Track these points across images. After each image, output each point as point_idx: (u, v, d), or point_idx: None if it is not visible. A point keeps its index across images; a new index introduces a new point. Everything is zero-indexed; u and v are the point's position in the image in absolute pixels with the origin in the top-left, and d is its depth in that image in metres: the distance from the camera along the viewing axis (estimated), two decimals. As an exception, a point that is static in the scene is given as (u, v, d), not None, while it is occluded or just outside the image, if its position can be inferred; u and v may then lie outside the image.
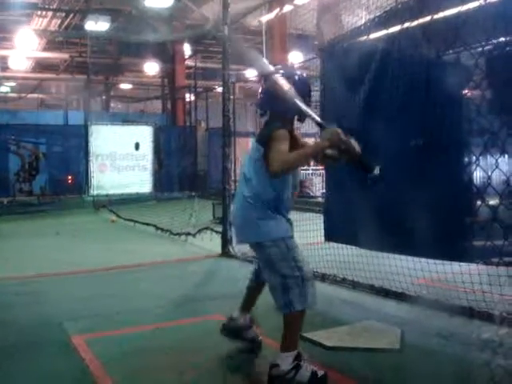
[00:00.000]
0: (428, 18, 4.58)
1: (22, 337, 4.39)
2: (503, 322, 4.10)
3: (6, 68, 23.78)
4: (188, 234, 9.35)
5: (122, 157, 18.56)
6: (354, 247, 5.58)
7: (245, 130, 16.39)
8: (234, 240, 3.89)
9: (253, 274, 3.90)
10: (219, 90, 15.43)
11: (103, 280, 6.57)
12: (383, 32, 5.10)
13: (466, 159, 4.37)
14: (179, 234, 9.57)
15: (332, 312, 4.89)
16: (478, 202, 4.22)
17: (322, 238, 5.99)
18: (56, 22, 19.11)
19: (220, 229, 8.10)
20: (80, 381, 3.53)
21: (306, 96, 3.49)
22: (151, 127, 19.55)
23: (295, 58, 19.07)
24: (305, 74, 3.78)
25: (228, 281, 6.17)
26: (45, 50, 22.12)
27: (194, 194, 15.84)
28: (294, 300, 3.28)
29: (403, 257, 5.01)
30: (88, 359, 3.79)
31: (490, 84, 4.15)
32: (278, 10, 15.81)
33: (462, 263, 4.47)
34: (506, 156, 4.10)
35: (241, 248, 6.99)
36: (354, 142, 3.23)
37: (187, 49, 23.73)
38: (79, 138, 18.09)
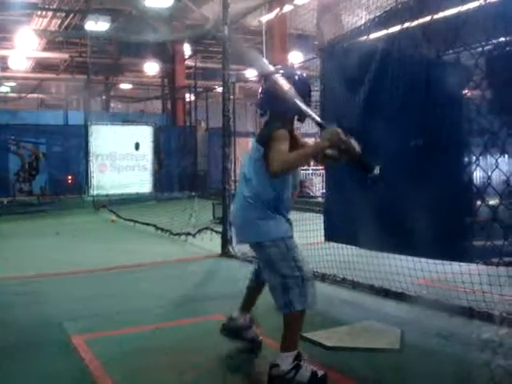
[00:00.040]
0: (428, 18, 4.58)
1: (21, 337, 4.39)
2: (503, 322, 4.10)
3: (6, 68, 23.78)
4: (188, 234, 9.35)
5: (121, 157, 18.56)
6: (353, 247, 5.58)
7: (245, 130, 16.40)
8: (234, 240, 3.90)
9: (253, 274, 3.90)
10: (219, 90, 15.43)
11: (103, 280, 6.57)
12: (383, 32, 5.10)
13: (466, 159, 4.37)
14: (179, 234, 9.57)
15: (332, 312, 4.89)
16: (478, 202, 4.22)
17: (322, 238, 5.99)
18: (56, 22, 19.11)
19: (220, 229, 8.10)
20: (80, 381, 3.53)
21: (306, 96, 3.49)
22: (151, 127, 19.54)
23: (295, 58, 19.07)
24: (305, 74, 3.78)
25: (228, 281, 6.17)
26: (45, 50, 22.12)
27: (193, 194, 15.84)
28: (294, 300, 3.28)
29: (403, 257, 5.00)
30: (88, 359, 3.79)
31: (489, 84, 4.15)
32: (278, 9, 15.81)
33: (461, 263, 4.47)
34: (506, 156, 4.10)
35: (241, 248, 6.99)
36: (353, 142, 3.23)
37: (187, 49, 23.73)
38: (79, 138, 18.09)
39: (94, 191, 17.34)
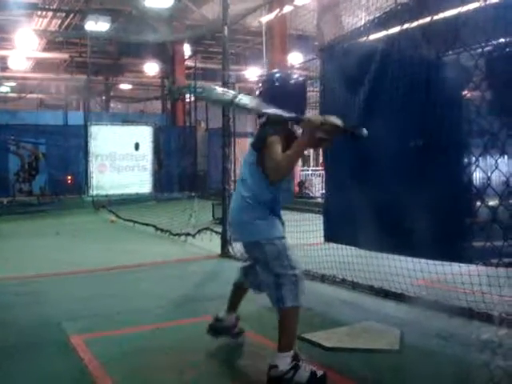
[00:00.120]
0: (428, 19, 4.58)
1: (21, 337, 4.39)
2: (502, 322, 4.10)
3: (5, 68, 23.78)
4: (188, 234, 9.35)
5: (121, 157, 18.55)
6: (353, 248, 5.58)
7: (244, 130, 16.39)
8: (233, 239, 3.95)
9: (240, 274, 3.96)
10: (219, 90, 15.40)
11: (103, 280, 6.57)
12: (383, 33, 5.10)
13: (466, 160, 4.37)
14: (179, 235, 9.58)
15: (331, 313, 4.90)
16: (478, 203, 4.22)
17: (322, 239, 5.99)
18: (56, 22, 19.12)
19: (220, 229, 8.11)
20: (79, 381, 3.53)
21: (301, 99, 3.62)
22: (151, 127, 19.54)
23: (295, 58, 19.08)
24: (301, 78, 3.81)
25: (228, 281, 6.09)
26: (45, 50, 22.12)
27: (193, 194, 15.85)
28: (286, 296, 3.32)
29: (403, 258, 5.01)
30: (87, 359, 3.79)
31: (489, 85, 4.15)
32: (278, 10, 15.80)
33: (461, 264, 4.47)
34: (506, 157, 4.10)
35: (240, 248, 6.99)
36: (333, 118, 3.28)
37: (187, 49, 23.73)
38: (79, 138, 18.07)
39: (93, 191, 17.34)
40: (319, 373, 3.31)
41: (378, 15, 5.32)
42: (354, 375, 3.53)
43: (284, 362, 3.27)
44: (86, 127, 17.67)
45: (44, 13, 18.49)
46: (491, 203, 4.08)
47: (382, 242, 4.79)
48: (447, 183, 4.38)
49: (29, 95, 27.15)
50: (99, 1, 18.46)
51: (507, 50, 4.23)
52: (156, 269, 7.24)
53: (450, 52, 4.48)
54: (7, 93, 28.43)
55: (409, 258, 4.95)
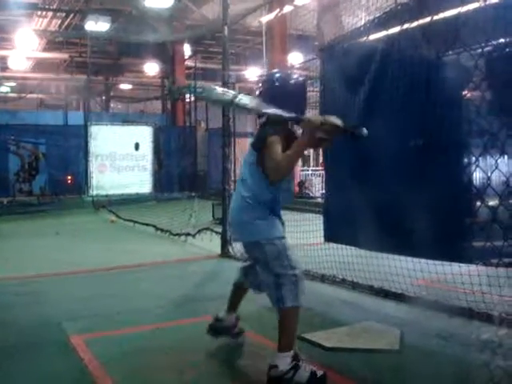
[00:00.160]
0: (428, 19, 4.58)
1: (21, 337, 4.39)
2: (502, 322, 4.10)
3: (5, 68, 23.78)
4: (188, 234, 9.35)
5: (121, 157, 18.55)
6: (353, 248, 5.58)
7: (244, 130, 16.38)
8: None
9: (239, 274, 3.97)
10: (219, 90, 15.40)
11: (103, 280, 6.57)
12: (383, 33, 5.10)
13: (466, 160, 4.37)
14: (179, 235, 9.58)
15: (331, 313, 4.90)
16: (478, 203, 4.22)
17: (322, 239, 5.99)
18: (56, 22, 19.12)
19: (220, 229, 8.11)
20: (79, 381, 3.53)
21: (301, 99, 3.64)
22: (151, 127, 19.54)
23: (295, 58, 19.08)
24: (301, 78, 3.82)
25: (228, 281, 6.08)
26: (45, 50, 22.12)
27: (193, 194, 15.85)
28: (286, 296, 3.32)
29: (403, 258, 5.01)
30: (87, 359, 3.79)
31: (489, 85, 4.15)
32: (278, 10, 15.80)
33: (461, 264, 4.47)
34: (506, 157, 4.10)
35: (240, 248, 6.99)
36: (333, 118, 3.28)
37: (187, 49, 23.73)
38: (79, 139, 18.08)
39: (93, 191, 17.34)
40: (319, 373, 3.31)
41: (378, 15, 5.32)
42: (354, 375, 3.53)
43: (284, 362, 3.27)
44: (86, 127, 17.67)
45: (44, 13, 18.49)
46: (491, 203, 4.08)
47: (382, 241, 4.79)
48: (447, 183, 4.38)
49: (29, 95, 27.15)
50: (99, 1, 18.46)
51: (507, 50, 4.23)
52: (156, 269, 7.24)
53: (450, 52, 4.48)
54: (7, 93, 28.43)
55: (409, 258, 4.95)
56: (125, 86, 29.80)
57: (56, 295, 5.83)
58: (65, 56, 23.10)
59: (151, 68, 24.93)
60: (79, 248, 8.96)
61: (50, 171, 18.83)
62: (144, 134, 19.07)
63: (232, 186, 7.86)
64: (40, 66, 24.67)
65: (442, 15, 4.50)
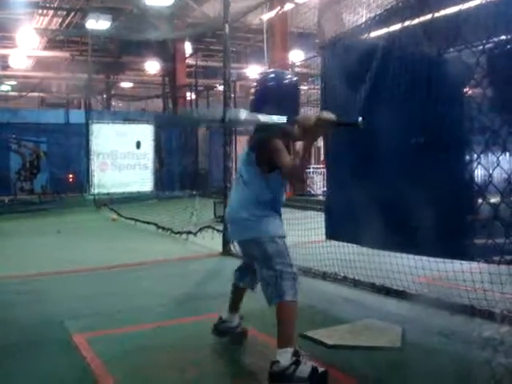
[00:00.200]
0: (429, 16, 4.57)
1: (23, 336, 4.39)
2: (504, 320, 4.10)
3: (6, 67, 23.81)
4: (189, 232, 9.35)
5: (123, 155, 18.57)
6: (355, 245, 5.58)
7: (246, 128, 16.39)
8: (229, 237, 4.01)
9: (238, 275, 4.00)
10: (220, 88, 15.43)
11: (105, 278, 6.58)
12: (384, 30, 5.10)
13: (468, 157, 4.36)
14: (180, 233, 9.57)
15: (333, 310, 4.90)
16: (480, 200, 4.22)
17: (323, 237, 5.99)
18: (57, 20, 19.13)
19: (221, 227, 8.11)
20: (81, 379, 3.54)
21: (295, 99, 3.67)
22: (152, 126, 19.54)
23: (296, 56, 19.07)
24: (295, 78, 3.82)
25: (229, 279, 6.08)
26: (46, 48, 22.14)
27: (195, 192, 15.84)
28: (286, 291, 3.36)
29: (404, 255, 5.00)
30: (89, 358, 3.79)
31: (491, 82, 4.14)
32: (279, 8, 15.79)
33: (463, 261, 4.47)
34: (507, 154, 4.10)
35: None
36: (325, 114, 3.31)
37: (188, 47, 23.73)
38: (80, 137, 18.09)
39: (95, 190, 17.35)
40: (320, 369, 3.31)
41: (378, 12, 5.31)
42: (356, 373, 3.53)
43: (285, 358, 3.28)
44: (87, 125, 17.68)
45: (45, 11, 18.51)
46: (493, 200, 4.08)
47: (384, 239, 4.78)
48: (449, 180, 4.38)
49: (30, 94, 27.17)
50: (100, -1, 18.48)
51: (508, 46, 4.22)
52: (157, 267, 7.24)
53: (451, 49, 4.47)
54: (8, 91, 28.45)
55: (410, 256, 4.94)
56: (126, 85, 29.82)
57: (57, 294, 5.83)
58: (66, 54, 23.10)
59: (152, 66, 24.94)
60: (80, 246, 8.96)
61: (52, 170, 18.84)
62: (145, 133, 19.08)
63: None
64: (41, 64, 24.68)
65: (443, 12, 4.49)
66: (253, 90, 3.73)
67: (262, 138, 3.49)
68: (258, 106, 3.58)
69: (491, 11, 4.04)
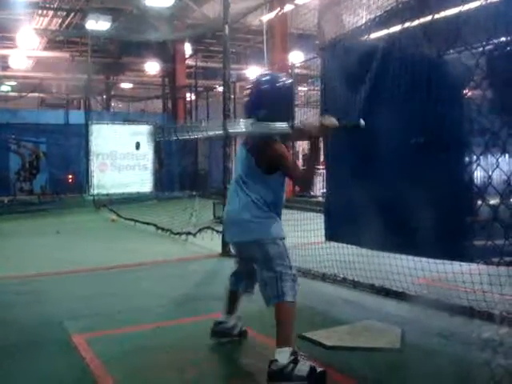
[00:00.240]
0: (429, 18, 4.57)
1: (22, 336, 4.39)
2: (503, 321, 4.10)
3: (6, 67, 23.78)
4: (188, 233, 9.35)
5: (122, 156, 18.58)
6: (354, 247, 5.58)
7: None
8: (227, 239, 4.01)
9: (231, 282, 4.00)
10: (220, 89, 15.44)
11: (104, 279, 6.58)
12: (384, 31, 5.10)
13: (467, 159, 4.37)
14: (180, 234, 9.57)
15: (332, 311, 4.90)
16: (479, 202, 4.22)
17: (323, 238, 5.99)
18: (57, 21, 19.11)
19: (220, 228, 8.09)
20: (80, 380, 3.54)
21: (288, 102, 3.72)
22: (152, 126, 19.52)
23: (296, 57, 19.07)
24: (289, 81, 3.83)
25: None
26: (45, 49, 22.10)
27: (194, 193, 15.85)
28: (286, 291, 3.39)
29: (404, 256, 5.00)
30: (88, 358, 3.79)
31: (490, 84, 4.15)
32: (278, 9, 15.80)
33: (462, 263, 4.47)
34: (507, 155, 4.10)
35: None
36: (328, 120, 3.41)
37: (188, 48, 23.72)
38: (80, 137, 18.11)
39: (94, 190, 17.36)
40: (319, 369, 3.32)
41: (378, 14, 5.32)
42: (355, 374, 3.53)
43: (283, 356, 3.30)
44: (86, 126, 17.70)
45: (45, 12, 18.49)
46: (492, 202, 4.08)
47: (383, 240, 4.78)
48: (448, 182, 4.38)
49: (30, 94, 27.15)
50: (100, 0, 18.46)
51: (508, 48, 4.23)
52: (157, 268, 7.24)
53: (451, 51, 4.47)
54: (8, 92, 28.42)
55: (410, 257, 4.94)
56: (125, 85, 29.78)
57: (57, 294, 5.83)
58: (65, 55, 23.08)
59: (152, 67, 24.91)
60: (80, 247, 8.96)
61: (51, 170, 18.86)
62: (145, 133, 19.06)
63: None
64: (41, 65, 24.66)
65: (443, 14, 4.50)
66: (247, 93, 3.76)
67: (262, 142, 3.52)
68: (252, 108, 3.63)
69: (491, 13, 4.05)
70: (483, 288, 4.30)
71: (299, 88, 18.58)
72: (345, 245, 5.71)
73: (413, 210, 4.30)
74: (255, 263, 3.60)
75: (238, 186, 3.61)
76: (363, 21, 5.69)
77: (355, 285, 5.64)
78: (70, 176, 18.92)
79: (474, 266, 4.43)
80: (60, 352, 4.02)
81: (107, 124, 18.60)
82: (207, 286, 6.16)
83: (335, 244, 5.83)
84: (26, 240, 9.88)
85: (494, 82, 4.15)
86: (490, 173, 4.07)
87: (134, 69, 26.52)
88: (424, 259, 4.81)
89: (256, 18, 17.22)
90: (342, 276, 5.83)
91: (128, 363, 3.76)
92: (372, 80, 5.02)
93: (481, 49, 4.14)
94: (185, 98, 23.08)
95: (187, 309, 5.16)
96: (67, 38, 22.01)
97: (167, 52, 22.64)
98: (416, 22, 4.66)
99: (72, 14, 19.04)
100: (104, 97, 28.93)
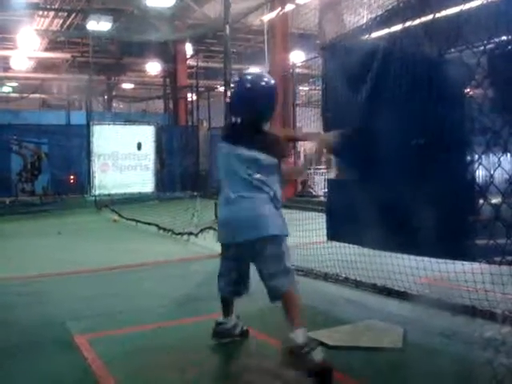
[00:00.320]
0: (430, 17, 4.57)
1: (24, 337, 4.40)
2: (505, 320, 4.09)
3: (7, 68, 23.82)
4: (190, 233, 9.35)
5: (123, 156, 18.58)
6: (356, 246, 5.57)
7: (247, 129, 16.36)
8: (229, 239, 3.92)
9: (224, 285, 4.10)
10: (221, 89, 15.42)
11: (106, 279, 6.58)
12: (385, 31, 5.09)
13: (469, 158, 4.35)
14: (181, 234, 9.57)
15: (334, 311, 4.90)
16: (481, 201, 4.21)
17: (325, 238, 5.98)
18: (58, 21, 19.14)
19: (222, 228, 8.09)
20: (82, 380, 3.54)
21: (272, 103, 3.73)
22: (153, 127, 19.55)
23: (297, 57, 19.07)
24: (272, 81, 3.83)
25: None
26: (46, 49, 22.14)
27: (195, 193, 15.85)
28: (292, 283, 3.58)
29: (405, 256, 5.00)
30: (90, 358, 3.79)
31: (492, 83, 4.14)
32: (279, 9, 15.80)
33: (464, 262, 4.46)
34: (509, 154, 4.09)
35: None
36: (331, 137, 3.97)
37: (189, 48, 23.73)
38: (81, 138, 18.11)
39: (96, 191, 17.35)
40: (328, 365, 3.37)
41: (379, 13, 5.31)
42: (357, 373, 3.53)
43: (300, 336, 3.36)
44: (88, 127, 17.69)
45: (46, 12, 18.51)
46: (494, 201, 4.07)
47: (385, 240, 4.77)
48: (450, 181, 4.37)
49: (31, 95, 27.18)
50: (101, 0, 18.49)
51: (509, 47, 4.22)
52: (158, 268, 7.24)
53: (453, 50, 4.46)
54: (9, 93, 28.47)
55: (412, 256, 4.94)
56: (127, 86, 29.83)
57: (59, 295, 5.83)
58: (67, 56, 23.11)
59: (153, 67, 24.94)
60: (82, 247, 8.96)
61: (53, 171, 18.85)
62: (146, 134, 19.09)
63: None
64: (42, 65, 24.69)
65: (444, 13, 4.49)
66: (230, 93, 3.79)
67: (273, 138, 3.70)
68: (235, 108, 3.66)
69: (492, 11, 4.04)
70: (485, 287, 4.29)
71: (300, 88, 18.58)
72: (347, 244, 5.70)
73: (414, 209, 4.30)
74: (255, 262, 3.62)
75: (244, 186, 3.62)
76: (364, 20, 5.68)
77: (357, 284, 5.63)
78: (72, 177, 18.92)
79: (476, 265, 4.42)
80: (62, 352, 4.03)
81: (109, 124, 18.59)
82: (209, 287, 6.11)
83: (337, 244, 5.82)
84: (28, 241, 9.89)
85: (495, 81, 4.13)
86: (492, 172, 4.06)
87: (135, 69, 26.55)
88: (426, 259, 4.80)
89: (257, 18, 17.22)
90: (343, 276, 5.82)
91: (130, 363, 3.76)
92: (373, 80, 5.01)
93: (482, 48, 4.13)
94: (186, 98, 23.10)
95: (189, 309, 5.16)
96: (68, 39, 22.05)
97: (168, 52, 22.66)
98: (417, 21, 4.65)
99: (73, 15, 19.08)
100: (105, 97, 28.98)
